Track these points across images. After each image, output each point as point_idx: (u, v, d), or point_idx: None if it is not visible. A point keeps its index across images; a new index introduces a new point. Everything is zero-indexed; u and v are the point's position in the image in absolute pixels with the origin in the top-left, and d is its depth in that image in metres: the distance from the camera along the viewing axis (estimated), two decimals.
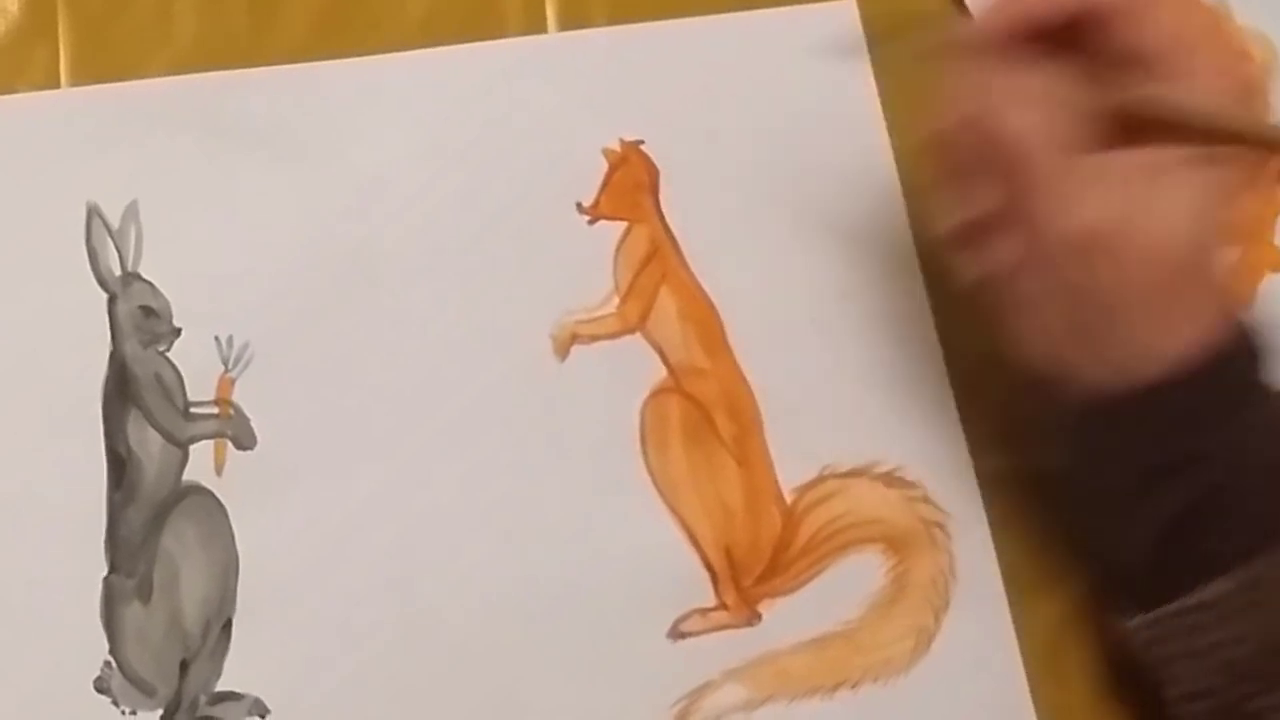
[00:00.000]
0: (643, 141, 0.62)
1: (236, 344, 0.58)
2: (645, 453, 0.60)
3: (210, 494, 0.57)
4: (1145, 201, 0.53)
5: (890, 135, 0.64)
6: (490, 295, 0.60)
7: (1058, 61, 0.54)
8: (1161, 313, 0.54)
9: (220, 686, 0.56)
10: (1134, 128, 0.54)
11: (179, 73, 0.61)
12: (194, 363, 0.58)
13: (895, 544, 0.61)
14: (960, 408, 0.62)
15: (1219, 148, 0.53)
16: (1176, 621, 0.55)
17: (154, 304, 0.58)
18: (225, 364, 0.58)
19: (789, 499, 0.61)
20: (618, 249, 0.62)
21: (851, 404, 0.60)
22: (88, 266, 0.58)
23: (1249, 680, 0.54)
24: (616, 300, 0.61)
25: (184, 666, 0.56)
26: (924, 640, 0.60)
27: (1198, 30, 0.54)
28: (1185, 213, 0.53)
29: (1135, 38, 0.54)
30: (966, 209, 0.55)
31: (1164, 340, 0.54)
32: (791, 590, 0.60)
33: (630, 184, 0.62)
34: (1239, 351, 0.55)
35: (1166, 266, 0.53)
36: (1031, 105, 0.53)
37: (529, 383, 0.60)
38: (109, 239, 0.58)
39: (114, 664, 0.55)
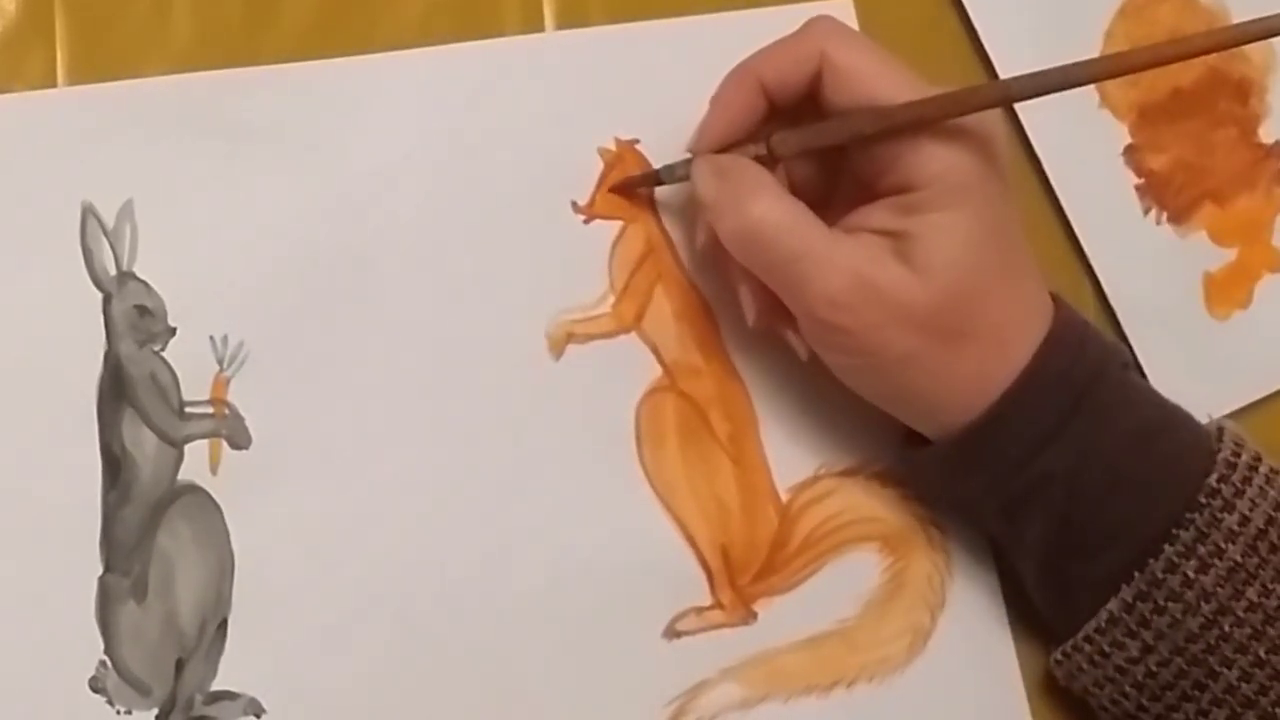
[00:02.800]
0: (638, 140, 0.62)
1: (231, 343, 0.58)
2: (641, 452, 0.60)
3: (205, 493, 0.57)
4: (874, 265, 0.54)
5: None
6: (485, 294, 0.60)
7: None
8: (935, 363, 0.54)
9: (216, 686, 0.56)
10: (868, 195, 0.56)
11: (176, 72, 0.61)
12: (189, 362, 0.58)
13: (891, 542, 0.61)
14: None
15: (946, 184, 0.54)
16: (1085, 650, 0.56)
17: (149, 303, 0.58)
18: (220, 363, 0.58)
19: (785, 498, 0.61)
20: (613, 248, 0.62)
21: (847, 403, 0.60)
22: (83, 266, 0.58)
23: (1170, 690, 0.54)
24: (612, 299, 0.61)
25: (179, 666, 0.56)
26: (920, 639, 0.60)
27: (891, 79, 0.55)
28: (929, 271, 0.53)
29: (839, 98, 0.56)
30: (757, 304, 0.58)
31: (955, 391, 0.55)
32: (787, 589, 0.60)
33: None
34: (1052, 370, 0.55)
35: (912, 329, 0.54)
36: (765, 194, 0.55)
37: (524, 382, 0.60)
38: (104, 238, 0.58)
39: (109, 663, 0.55)
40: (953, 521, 0.61)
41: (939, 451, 0.57)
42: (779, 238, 0.54)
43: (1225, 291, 0.65)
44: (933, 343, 0.54)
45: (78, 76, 0.60)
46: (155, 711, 0.56)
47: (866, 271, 0.53)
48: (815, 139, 0.56)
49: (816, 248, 0.54)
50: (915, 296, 0.53)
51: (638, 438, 0.60)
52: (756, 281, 0.57)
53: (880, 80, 0.55)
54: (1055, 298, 0.57)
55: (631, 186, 0.62)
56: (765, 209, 0.55)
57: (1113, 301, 0.64)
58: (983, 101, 0.54)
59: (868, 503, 0.61)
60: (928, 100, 0.54)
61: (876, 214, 0.55)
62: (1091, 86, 0.65)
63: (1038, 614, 0.60)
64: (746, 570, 0.60)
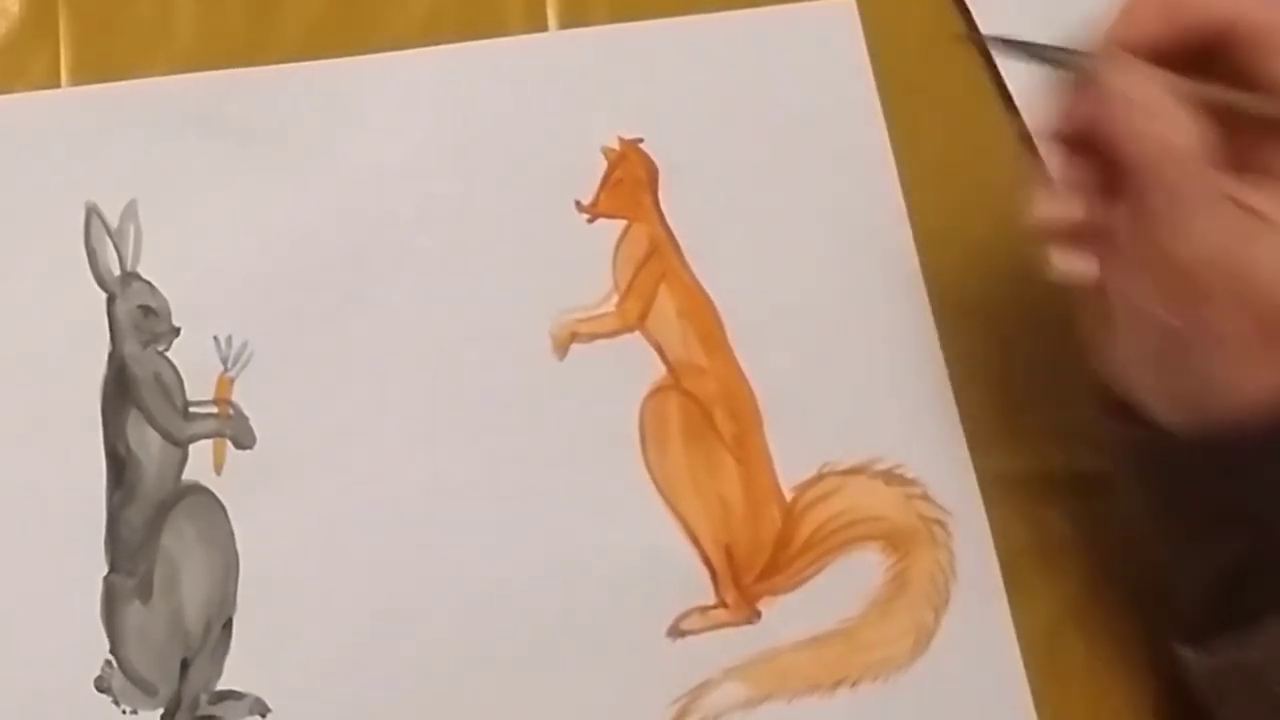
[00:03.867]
0: (642, 140, 0.62)
1: (235, 343, 0.58)
2: (645, 451, 0.60)
3: (210, 493, 0.57)
4: (1259, 240, 0.51)
5: (890, 133, 0.64)
6: (489, 294, 0.60)
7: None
8: (1247, 357, 0.52)
9: (221, 685, 0.56)
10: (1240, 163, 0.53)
11: (179, 72, 0.61)
12: (193, 362, 0.58)
13: (895, 542, 0.61)
14: (960, 405, 0.62)
15: None
16: (1231, 657, 0.54)
17: (153, 303, 0.58)
18: (224, 363, 0.58)
19: (789, 497, 0.61)
20: (617, 247, 0.62)
21: (851, 401, 0.60)
22: (87, 266, 0.58)
23: None
24: (616, 299, 0.61)
25: (185, 666, 0.56)
26: (923, 638, 0.60)
27: None
28: None
29: (1265, 68, 0.52)
30: (1073, 209, 0.54)
31: (1243, 385, 0.52)
32: (791, 588, 0.60)
33: (630, 182, 0.62)
34: None
35: (1265, 319, 0.51)
36: (1181, 114, 0.52)
37: (528, 381, 0.60)
38: (108, 239, 0.58)
39: (115, 663, 0.55)
40: (955, 519, 0.62)
41: (1179, 443, 0.54)
42: (1192, 169, 0.51)
43: None
44: (1265, 328, 0.51)
45: (81, 77, 0.60)
46: (160, 711, 0.56)
47: (1249, 247, 0.51)
48: (1252, 106, 0.53)
49: (1208, 188, 0.51)
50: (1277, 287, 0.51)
51: (642, 437, 0.60)
52: (1089, 191, 0.54)
53: None
54: None
55: (999, 50, 0.58)
56: (1173, 131, 0.51)
57: None
58: None
59: (871, 502, 0.61)
60: None
61: (1248, 189, 0.52)
62: None
63: (1039, 611, 0.60)
64: (750, 569, 0.60)
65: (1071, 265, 0.55)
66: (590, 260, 0.61)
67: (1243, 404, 0.52)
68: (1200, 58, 0.53)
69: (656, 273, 0.62)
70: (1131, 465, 0.57)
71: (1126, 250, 0.53)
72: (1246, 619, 0.53)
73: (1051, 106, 0.55)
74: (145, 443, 0.57)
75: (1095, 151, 0.53)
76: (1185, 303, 0.52)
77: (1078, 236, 0.54)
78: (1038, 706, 0.60)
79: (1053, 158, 0.55)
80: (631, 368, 0.61)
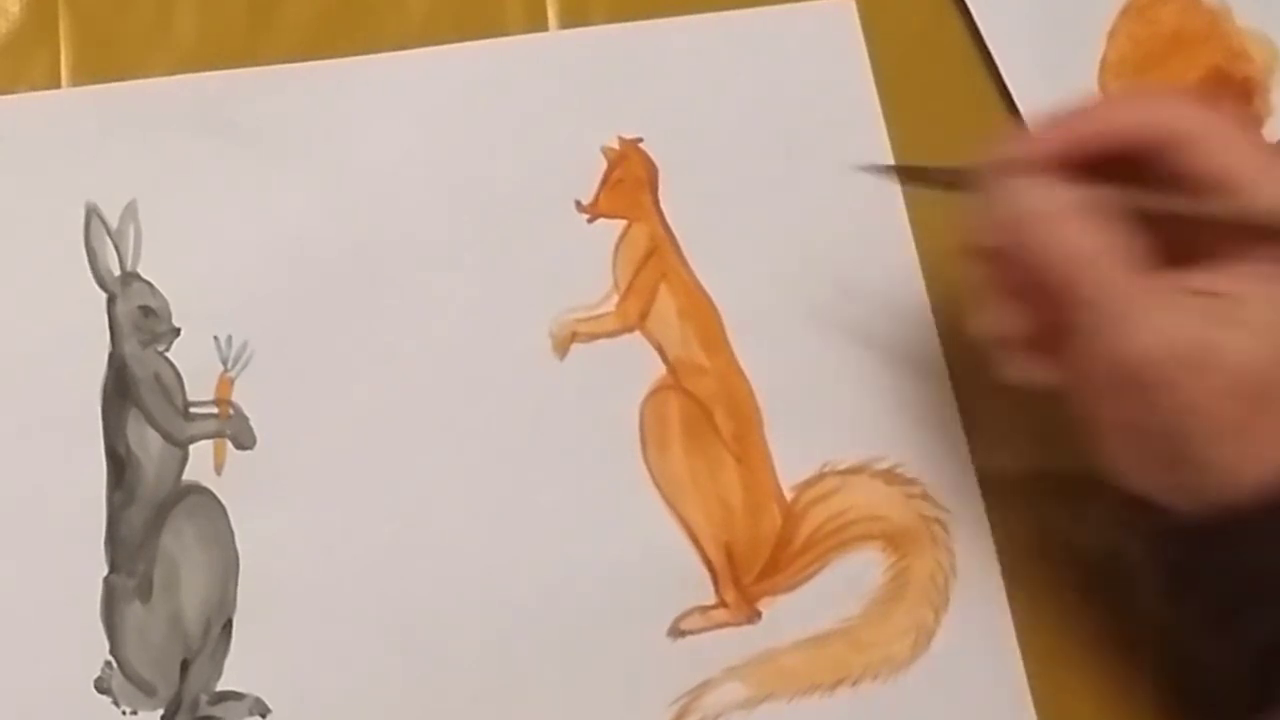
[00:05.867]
0: (642, 139, 0.62)
1: (235, 343, 0.58)
2: (645, 451, 0.60)
3: (210, 494, 0.57)
4: (1217, 327, 0.50)
5: (890, 131, 0.64)
6: (489, 294, 0.60)
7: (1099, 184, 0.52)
8: (1238, 440, 0.50)
9: (221, 686, 0.56)
10: (1186, 253, 0.52)
11: (179, 73, 0.61)
12: (193, 362, 0.58)
13: (895, 541, 0.61)
14: (960, 404, 0.62)
15: None
16: None
17: (153, 304, 0.58)
18: (224, 364, 0.58)
19: (789, 496, 0.61)
20: (617, 247, 0.62)
21: (851, 401, 0.60)
22: (87, 266, 0.58)
23: None
24: (616, 298, 0.61)
25: (184, 666, 0.56)
26: (924, 637, 0.60)
27: (1250, 158, 0.51)
28: (1264, 337, 0.50)
29: (1186, 167, 0.51)
30: (1012, 322, 0.54)
31: (1243, 467, 0.50)
32: (791, 588, 0.60)
33: (630, 182, 0.62)
34: None
35: (1242, 396, 0.50)
36: (1089, 223, 0.51)
37: (529, 381, 0.60)
38: (108, 239, 0.58)
39: (114, 664, 0.55)
40: (955, 518, 0.62)
41: (1194, 528, 0.52)
42: (1111, 274, 0.50)
43: None
44: (1247, 411, 0.50)
45: (81, 77, 0.60)
46: (160, 712, 0.56)
47: (1206, 331, 0.50)
48: (1172, 208, 0.52)
49: (1146, 293, 0.50)
50: (1257, 360, 0.50)
51: (642, 436, 0.60)
52: (1022, 304, 0.54)
53: (1244, 163, 0.51)
54: None
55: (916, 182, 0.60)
56: (1098, 238, 0.51)
57: None
58: None
59: (871, 501, 0.61)
60: None
61: (1197, 275, 0.51)
62: (1094, 86, 0.65)
63: (1040, 610, 0.60)
64: (750, 569, 0.60)
65: (1027, 374, 0.54)
66: (590, 260, 0.61)
67: (1243, 479, 0.50)
68: (1131, 165, 0.52)
69: (656, 272, 0.62)
70: (1160, 550, 0.55)
71: (1074, 355, 0.52)
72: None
73: (971, 226, 0.54)
74: (145, 443, 0.57)
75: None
76: (1147, 398, 0.51)
77: (1032, 343, 0.54)
78: (1037, 706, 0.60)
79: (983, 273, 0.55)
80: (631, 368, 0.61)
